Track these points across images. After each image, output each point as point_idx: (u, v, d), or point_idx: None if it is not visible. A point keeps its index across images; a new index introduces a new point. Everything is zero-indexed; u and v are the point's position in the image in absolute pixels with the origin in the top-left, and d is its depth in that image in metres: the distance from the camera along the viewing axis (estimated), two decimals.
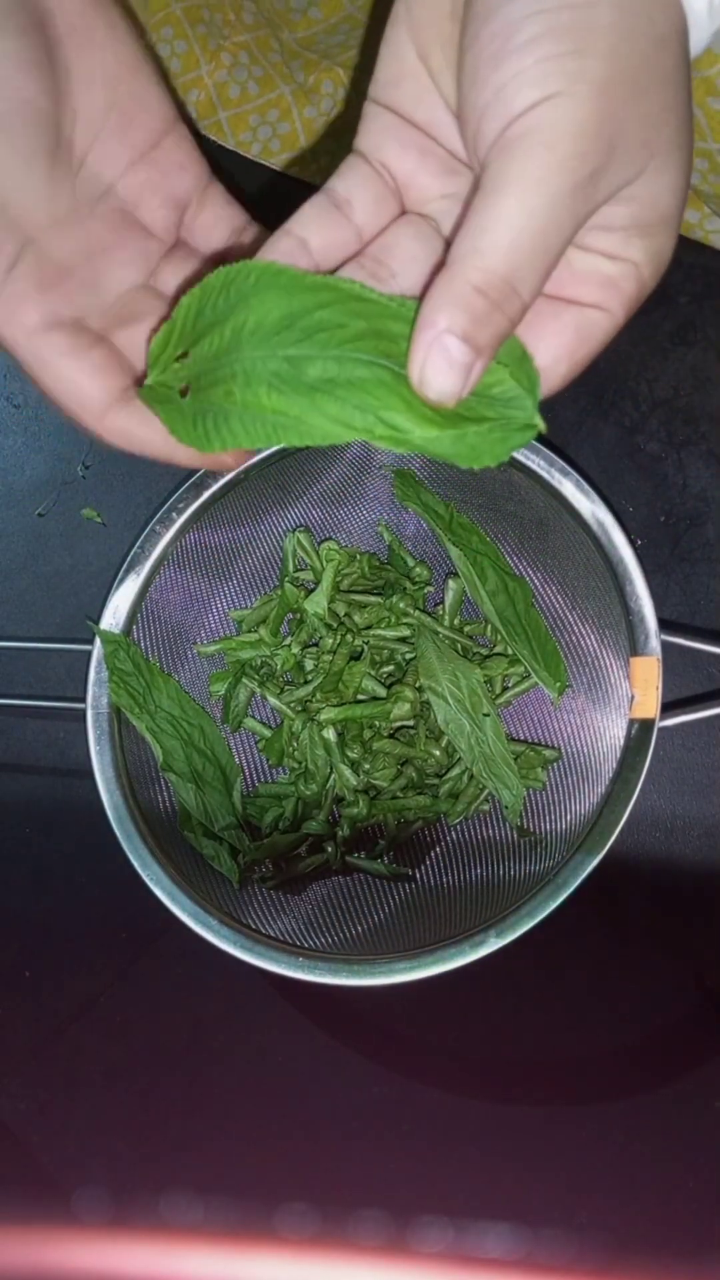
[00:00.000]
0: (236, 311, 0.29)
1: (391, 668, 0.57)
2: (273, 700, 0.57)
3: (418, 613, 0.56)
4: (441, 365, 0.27)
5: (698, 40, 0.29)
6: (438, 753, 0.55)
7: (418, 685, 0.55)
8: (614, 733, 0.51)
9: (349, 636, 0.56)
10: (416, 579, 0.58)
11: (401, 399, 0.29)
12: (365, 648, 0.57)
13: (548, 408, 0.32)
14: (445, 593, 0.57)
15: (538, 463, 0.51)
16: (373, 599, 0.57)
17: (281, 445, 0.30)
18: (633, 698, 0.50)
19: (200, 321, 0.30)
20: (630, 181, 0.28)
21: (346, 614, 0.57)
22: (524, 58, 0.26)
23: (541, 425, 0.29)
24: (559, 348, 0.30)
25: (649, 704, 0.49)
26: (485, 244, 0.26)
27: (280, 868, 0.56)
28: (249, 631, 0.58)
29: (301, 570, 0.59)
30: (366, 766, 0.55)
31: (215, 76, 0.62)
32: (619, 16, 0.26)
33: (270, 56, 0.60)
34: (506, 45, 0.26)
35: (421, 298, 0.31)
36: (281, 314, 0.29)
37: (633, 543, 0.50)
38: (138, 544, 0.54)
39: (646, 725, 0.49)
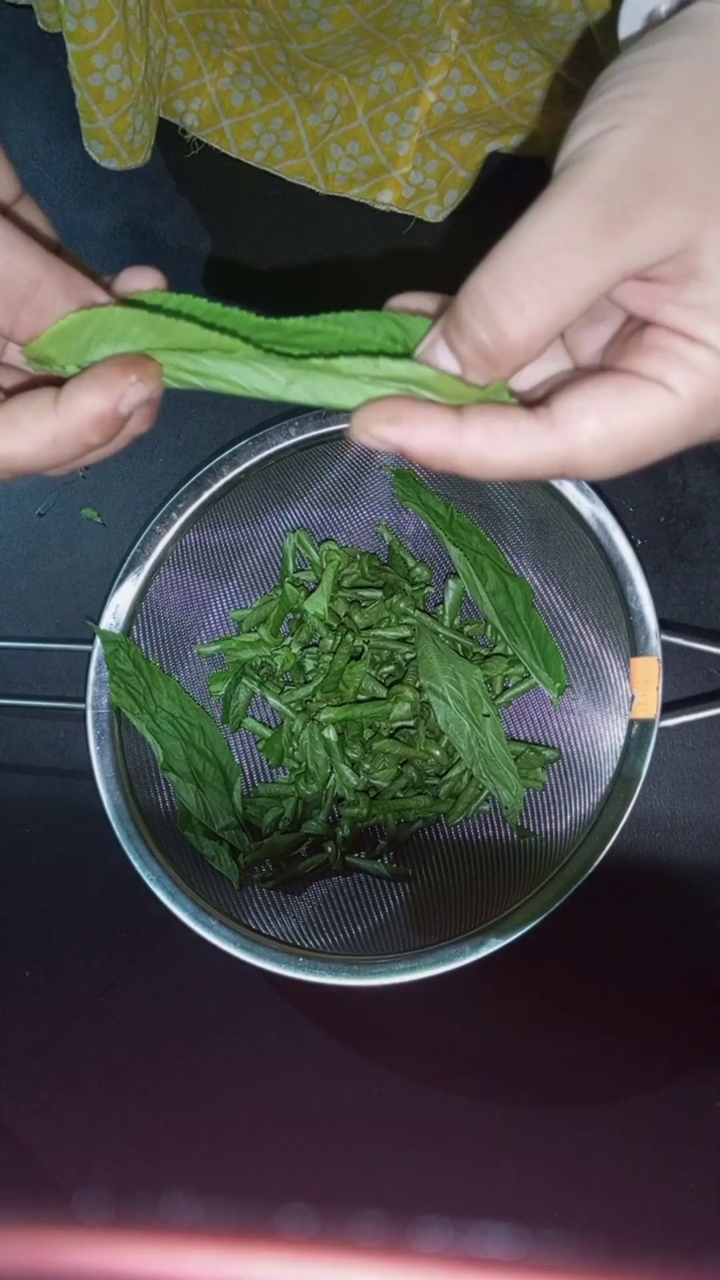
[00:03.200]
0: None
1: (391, 668, 0.57)
2: (273, 700, 0.57)
3: (418, 613, 0.56)
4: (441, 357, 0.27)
5: None
6: (438, 753, 0.55)
7: (418, 685, 0.55)
8: (614, 733, 0.51)
9: (349, 636, 0.56)
10: (416, 579, 0.58)
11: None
12: (365, 648, 0.57)
13: None
14: (445, 593, 0.57)
15: None
16: (373, 594, 0.57)
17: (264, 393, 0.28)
18: (633, 698, 0.50)
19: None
20: (688, 242, 0.25)
21: (347, 614, 0.57)
22: (596, 100, 0.26)
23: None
24: (590, 399, 0.27)
25: (649, 704, 0.49)
26: (490, 258, 0.26)
27: (280, 868, 0.56)
28: (249, 631, 0.58)
29: (302, 570, 0.59)
30: (366, 766, 0.55)
31: (218, 85, 0.62)
32: (697, 65, 0.25)
33: (274, 68, 0.60)
34: (591, 94, 0.26)
35: None
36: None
37: (633, 543, 0.50)
38: (138, 544, 0.54)
39: (646, 725, 0.49)
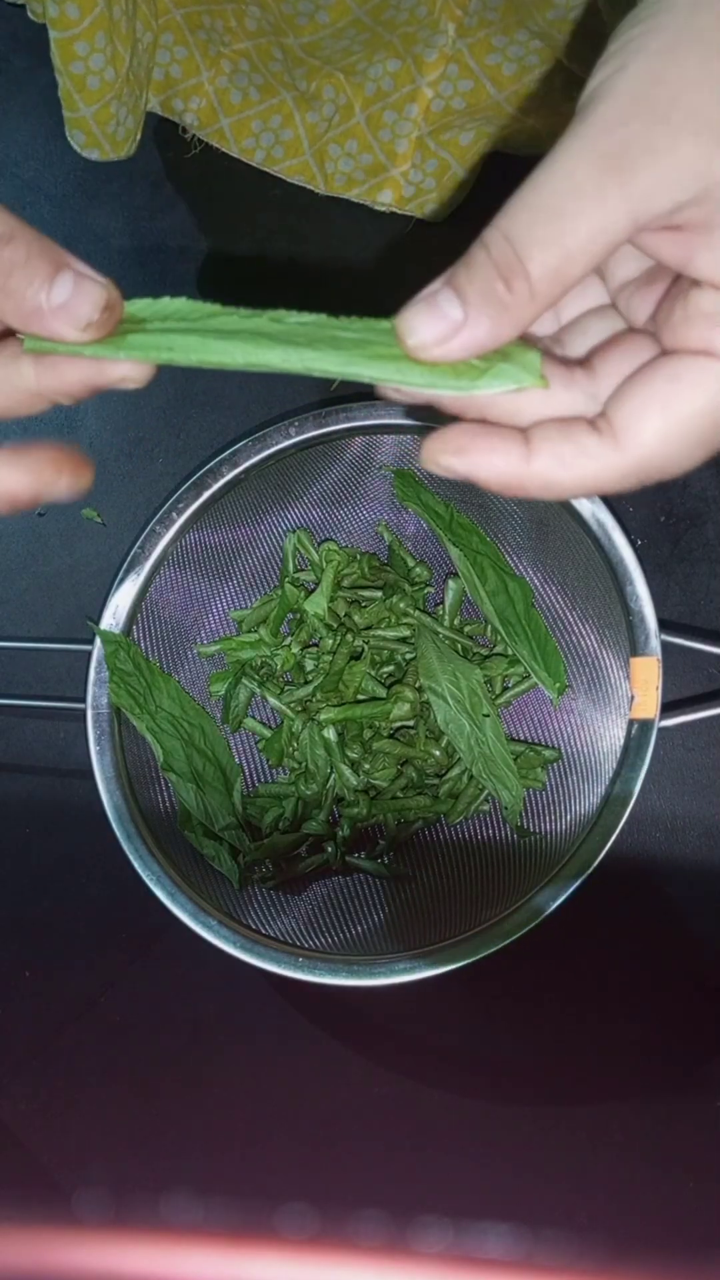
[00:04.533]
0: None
1: (391, 668, 0.57)
2: (273, 700, 0.57)
3: (418, 613, 0.56)
4: (422, 309, 0.25)
5: None
6: (438, 753, 0.55)
7: (418, 685, 0.55)
8: (614, 733, 0.51)
9: (349, 636, 0.56)
10: (416, 579, 0.58)
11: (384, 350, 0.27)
12: (365, 648, 0.57)
13: None
14: (445, 593, 0.57)
15: None
16: (373, 594, 0.57)
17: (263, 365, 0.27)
18: (633, 698, 0.50)
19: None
20: (702, 175, 0.24)
21: (347, 614, 0.57)
22: (613, 45, 0.25)
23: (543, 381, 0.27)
24: (645, 398, 0.26)
25: (649, 704, 0.49)
26: (504, 206, 0.25)
27: (280, 868, 0.56)
28: (249, 631, 0.58)
29: (302, 570, 0.59)
30: (366, 766, 0.55)
31: (216, 83, 0.62)
32: None
33: (271, 65, 0.60)
34: (610, 40, 0.25)
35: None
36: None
37: (633, 543, 0.50)
38: (138, 544, 0.54)
39: (646, 725, 0.49)
